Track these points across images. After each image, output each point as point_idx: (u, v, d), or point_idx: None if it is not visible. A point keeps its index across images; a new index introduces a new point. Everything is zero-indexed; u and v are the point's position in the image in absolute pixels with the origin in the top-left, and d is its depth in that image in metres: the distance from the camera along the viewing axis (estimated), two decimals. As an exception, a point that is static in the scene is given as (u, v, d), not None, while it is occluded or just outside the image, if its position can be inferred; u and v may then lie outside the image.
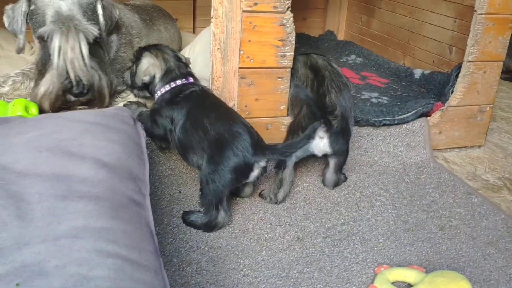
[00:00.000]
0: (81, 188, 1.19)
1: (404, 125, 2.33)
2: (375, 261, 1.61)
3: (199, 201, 1.73)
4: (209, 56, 2.42)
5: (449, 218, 1.88)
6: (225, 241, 1.64)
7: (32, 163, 1.24)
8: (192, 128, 1.70)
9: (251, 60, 1.98)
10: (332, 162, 1.97)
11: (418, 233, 1.77)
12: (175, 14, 3.38)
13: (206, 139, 1.66)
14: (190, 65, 1.94)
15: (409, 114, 2.33)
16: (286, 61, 2.02)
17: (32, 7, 1.87)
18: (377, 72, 3.11)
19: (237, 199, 1.88)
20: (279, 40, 1.97)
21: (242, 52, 1.95)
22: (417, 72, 2.90)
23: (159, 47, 1.89)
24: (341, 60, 3.37)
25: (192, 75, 1.89)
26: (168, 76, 1.82)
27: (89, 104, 1.93)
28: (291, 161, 1.88)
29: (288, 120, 2.13)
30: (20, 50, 1.98)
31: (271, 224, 1.75)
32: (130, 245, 1.04)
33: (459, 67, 2.40)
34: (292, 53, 2.02)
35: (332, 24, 3.88)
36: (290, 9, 1.94)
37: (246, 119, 2.03)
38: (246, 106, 2.05)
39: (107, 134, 1.42)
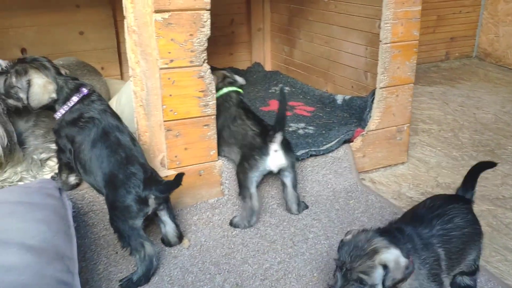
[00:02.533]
0: (7, 278, 1.19)
1: (330, 154, 2.46)
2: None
3: (121, 246, 1.76)
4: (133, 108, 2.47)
5: (377, 242, 2.00)
6: (165, 299, 1.67)
7: (-47, 258, 1.23)
8: (92, 163, 1.78)
9: (175, 113, 2.04)
10: (288, 179, 2.13)
11: (350, 261, 1.88)
12: (101, 63, 3.40)
13: (103, 179, 1.76)
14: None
15: (332, 143, 2.47)
16: (209, 109, 2.10)
17: None
18: (303, 100, 3.26)
19: (176, 251, 1.91)
20: (200, 91, 2.05)
21: (164, 106, 2.01)
22: (339, 98, 3.07)
23: (41, 60, 1.85)
24: (270, 91, 3.50)
25: (83, 84, 1.90)
26: (60, 96, 1.83)
27: None
28: (253, 187, 2.05)
29: (220, 163, 2.20)
30: None
31: (210, 274, 1.80)
32: (59, 334, 1.06)
33: (373, 93, 2.57)
34: (214, 101, 2.10)
35: (258, 56, 4.01)
36: (206, 61, 2.02)
37: (178, 169, 2.10)
38: (176, 157, 2.11)
39: (32, 214, 1.43)
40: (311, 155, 2.37)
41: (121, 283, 1.72)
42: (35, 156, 2.00)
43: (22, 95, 1.79)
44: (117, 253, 1.89)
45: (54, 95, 1.80)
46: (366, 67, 2.94)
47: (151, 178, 1.77)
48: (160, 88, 1.98)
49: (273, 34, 3.94)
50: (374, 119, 2.56)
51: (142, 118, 2.07)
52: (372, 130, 2.57)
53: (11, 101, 1.84)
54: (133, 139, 1.86)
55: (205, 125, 2.13)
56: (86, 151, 1.78)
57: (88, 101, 1.84)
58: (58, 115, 1.84)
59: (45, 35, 3.19)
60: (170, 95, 2.00)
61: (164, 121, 2.04)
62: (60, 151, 1.88)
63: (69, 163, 1.88)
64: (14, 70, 1.79)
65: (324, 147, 2.43)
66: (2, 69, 1.88)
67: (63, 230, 1.43)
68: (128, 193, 1.71)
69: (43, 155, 2.05)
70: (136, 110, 2.08)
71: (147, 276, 1.73)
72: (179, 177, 1.74)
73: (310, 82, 3.49)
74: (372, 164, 2.63)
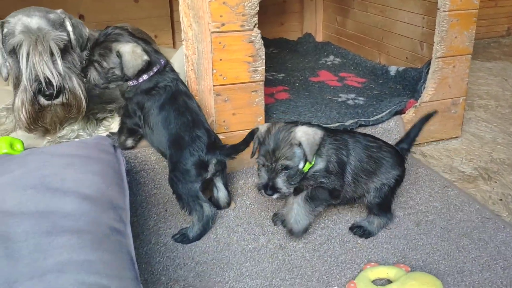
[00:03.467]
0: (65, 223, 1.27)
1: (380, 125, 2.41)
2: (353, 262, 1.70)
3: (180, 206, 1.81)
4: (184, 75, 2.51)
5: (425, 213, 1.96)
6: (210, 255, 1.73)
7: (18, 202, 1.32)
8: (159, 125, 1.83)
9: (224, 78, 2.06)
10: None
11: (395, 231, 1.86)
12: (154, 31, 3.46)
13: (168, 140, 1.81)
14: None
15: (383, 114, 2.42)
16: (258, 75, 2.10)
17: (5, 30, 1.93)
18: (355, 72, 3.19)
19: (222, 212, 1.96)
20: (249, 56, 2.05)
21: (214, 70, 2.03)
22: (392, 69, 2.99)
23: (119, 32, 1.85)
24: (320, 61, 3.45)
25: (162, 55, 1.93)
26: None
27: (67, 109, 1.95)
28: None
29: (266, 130, 2.21)
30: (6, 79, 2.03)
31: (254, 234, 1.84)
32: (111, 275, 1.12)
33: (428, 64, 2.48)
34: (263, 67, 2.10)
35: (309, 26, 3.95)
36: (257, 25, 2.01)
37: (225, 134, 2.13)
38: (224, 121, 2.14)
39: (88, 166, 1.50)
40: (360, 125, 2.34)
41: (174, 237, 1.79)
42: (91, 115, 2.09)
43: (118, 71, 1.82)
44: (166, 210, 1.96)
45: (146, 57, 1.80)
46: (422, 37, 2.83)
47: (214, 143, 1.83)
48: (211, 52, 2.00)
49: (325, 4, 3.85)
50: (428, 90, 2.48)
51: (192, 82, 2.10)
52: (426, 102, 2.49)
53: (112, 85, 1.89)
54: (198, 106, 1.91)
55: (253, 91, 2.13)
56: (155, 114, 1.82)
57: (164, 71, 1.88)
58: (134, 82, 1.85)
59: (101, 2, 3.29)
60: (220, 60, 2.02)
61: (214, 85, 2.07)
62: (127, 117, 1.93)
63: (131, 128, 1.95)
64: (98, 55, 1.81)
65: (374, 118, 2.38)
66: (82, 63, 1.98)
67: (116, 182, 1.50)
68: (192, 156, 1.76)
69: (99, 115, 2.14)
70: (187, 75, 2.11)
71: (202, 235, 1.80)
72: (248, 138, 1.76)
73: (362, 53, 3.41)
74: (423, 137, 2.55)
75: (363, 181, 1.78)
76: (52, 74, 1.85)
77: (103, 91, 2.20)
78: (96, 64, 1.83)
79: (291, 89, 2.85)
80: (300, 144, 1.61)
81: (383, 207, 1.84)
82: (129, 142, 2.00)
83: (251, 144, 1.76)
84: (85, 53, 2.10)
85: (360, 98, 2.69)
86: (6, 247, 1.18)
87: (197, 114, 1.86)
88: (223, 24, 1.96)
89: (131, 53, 1.79)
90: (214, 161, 1.81)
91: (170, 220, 1.91)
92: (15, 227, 1.24)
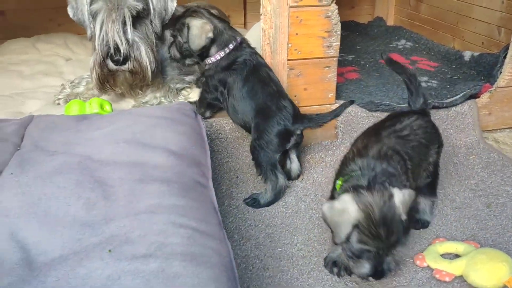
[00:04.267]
0: (155, 173, 1.38)
1: (453, 108, 2.37)
2: (422, 237, 1.71)
3: (256, 173, 1.90)
4: (259, 51, 2.58)
5: (497, 196, 1.93)
6: (279, 220, 1.80)
7: (112, 153, 1.46)
8: (244, 96, 1.89)
9: (299, 52, 2.11)
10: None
11: (465, 211, 1.85)
12: (227, 11, 3.54)
13: (254, 109, 1.87)
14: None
15: (457, 96, 2.37)
16: (332, 51, 2.14)
17: None
18: (427, 56, 3.14)
19: (291, 182, 2.03)
20: (325, 32, 2.09)
21: (290, 45, 2.09)
22: (467, 55, 2.91)
23: (196, 9, 1.96)
24: (391, 45, 3.41)
25: (237, 32, 2.00)
26: (220, 39, 1.93)
27: (133, 76, 2.05)
28: None
29: (336, 106, 2.25)
30: (89, 39, 2.14)
31: (321, 205, 1.88)
32: (198, 218, 1.22)
33: (507, 48, 2.40)
34: (338, 43, 2.13)
35: (381, 10, 3.91)
36: (334, 1, 2.04)
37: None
38: (295, 96, 2.19)
39: (173, 127, 1.62)
40: (433, 107, 2.31)
41: (246, 201, 1.89)
42: (171, 85, 2.21)
43: (187, 46, 1.93)
44: (237, 177, 2.06)
45: (210, 34, 1.89)
46: (500, 22, 2.74)
47: (299, 114, 1.89)
48: (288, 26, 2.06)
49: (399, -13, 3.79)
50: (505, 75, 2.40)
51: (268, 56, 2.17)
52: (502, 87, 2.41)
53: (188, 61, 2.01)
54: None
55: (326, 67, 2.17)
56: (239, 87, 1.90)
57: (241, 47, 1.96)
58: (212, 60, 1.95)
59: (179, -19, 3.41)
60: (296, 34, 2.07)
61: (288, 59, 2.12)
62: (207, 92, 2.02)
63: (210, 103, 2.04)
64: (176, 29, 1.93)
65: (448, 100, 2.35)
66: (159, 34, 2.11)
67: (199, 143, 1.61)
68: (278, 124, 1.83)
69: (178, 85, 2.25)
70: (262, 49, 2.18)
71: (272, 202, 1.88)
72: (339, 111, 1.84)
73: (435, 38, 3.34)
74: (497, 123, 2.49)
75: (417, 172, 1.60)
76: (121, 41, 1.94)
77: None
78: (174, 39, 1.96)
79: (361, 70, 2.85)
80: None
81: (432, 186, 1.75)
82: (208, 113, 2.10)
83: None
84: (166, 33, 2.23)
85: (433, 81, 2.65)
86: (104, 190, 1.31)
87: (280, 85, 1.93)
88: (301, -1, 2.01)
89: (198, 28, 1.88)
90: (298, 131, 1.87)
91: (241, 186, 2.00)
92: (110, 173, 1.37)
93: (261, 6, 2.09)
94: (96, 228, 1.19)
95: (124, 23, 1.97)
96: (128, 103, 2.19)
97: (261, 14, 2.12)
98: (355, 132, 2.28)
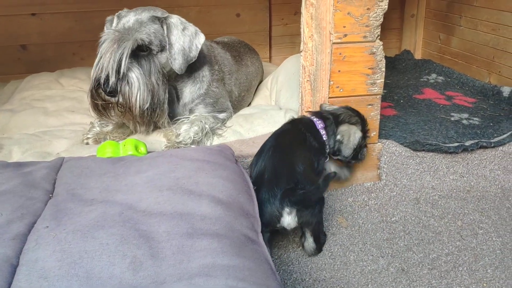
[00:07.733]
0: (203, 226, 1.25)
1: (500, 148, 2.23)
2: (487, 294, 1.55)
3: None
4: (292, 86, 2.48)
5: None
6: (328, 273, 1.65)
7: (155, 202, 1.33)
8: None
9: (341, 90, 2.00)
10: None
11: (531, 265, 1.69)
12: (253, 45, 3.49)
13: None
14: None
15: (505, 135, 2.25)
16: (376, 88, 2.03)
17: (114, 22, 2.02)
18: (461, 91, 3.02)
19: (334, 229, 1.89)
20: (369, 69, 1.98)
21: (331, 82, 1.98)
22: (506, 90, 2.79)
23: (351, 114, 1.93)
24: (421, 79, 3.31)
25: None
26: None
27: (122, 109, 1.97)
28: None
29: (379, 146, 2.13)
30: None
31: (372, 255, 1.74)
32: (258, 283, 1.08)
33: (557, 84, 2.29)
34: (382, 80, 2.02)
35: (408, 43, 3.83)
36: (379, 37, 1.95)
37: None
38: (336, 135, 2.07)
39: (218, 171, 1.49)
40: (481, 147, 2.18)
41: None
42: (207, 126, 2.09)
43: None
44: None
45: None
46: (543, 57, 2.63)
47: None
48: (330, 63, 1.95)
49: (427, 20, 3.71)
50: (556, 113, 2.28)
51: (307, 94, 2.06)
52: (552, 125, 2.29)
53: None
54: None
55: (369, 104, 2.06)
56: None
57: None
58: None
59: (205, 15, 3.37)
60: (339, 71, 1.97)
61: (329, 97, 2.01)
62: None
63: None
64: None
65: (496, 140, 2.22)
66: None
67: (245, 190, 1.48)
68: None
69: (212, 125, 2.14)
70: (302, 86, 2.08)
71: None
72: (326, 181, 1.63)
73: (468, 72, 3.23)
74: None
75: None
76: (112, 73, 1.87)
77: (216, 100, 2.23)
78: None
79: (396, 106, 2.74)
80: None
81: None
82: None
83: None
84: (204, 71, 2.13)
85: (475, 119, 2.52)
86: (150, 247, 1.18)
87: None
88: (345, 35, 1.91)
89: (353, 135, 1.88)
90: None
91: (284, 234, 1.85)
92: (156, 226, 1.24)
93: (302, 43, 2.00)
94: (144, 292, 1.05)
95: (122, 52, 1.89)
96: (160, 142, 2.08)
97: (301, 51, 2.02)
98: (399, 173, 2.15)
